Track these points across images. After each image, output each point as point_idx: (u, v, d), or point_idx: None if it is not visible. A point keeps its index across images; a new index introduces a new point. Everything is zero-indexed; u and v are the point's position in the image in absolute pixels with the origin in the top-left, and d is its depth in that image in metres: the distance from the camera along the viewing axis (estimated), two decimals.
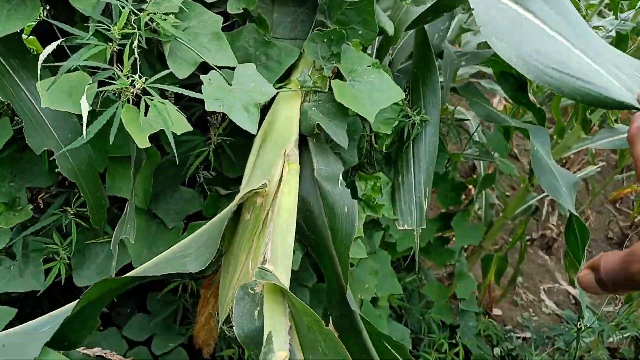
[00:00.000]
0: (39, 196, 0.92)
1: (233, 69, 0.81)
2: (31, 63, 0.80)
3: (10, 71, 0.78)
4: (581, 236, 1.30)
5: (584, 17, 2.24)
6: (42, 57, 0.69)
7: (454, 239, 1.77)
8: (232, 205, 0.79)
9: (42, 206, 0.92)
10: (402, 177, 1.06)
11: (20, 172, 0.88)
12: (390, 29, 0.93)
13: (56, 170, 0.91)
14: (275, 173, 0.82)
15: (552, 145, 2.18)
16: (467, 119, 1.61)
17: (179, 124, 0.73)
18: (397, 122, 1.02)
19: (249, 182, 0.82)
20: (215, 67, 0.78)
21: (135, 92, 0.69)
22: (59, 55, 0.76)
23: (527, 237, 3.09)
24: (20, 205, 0.88)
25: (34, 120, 0.77)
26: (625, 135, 1.69)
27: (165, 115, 0.69)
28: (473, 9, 0.72)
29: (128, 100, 0.69)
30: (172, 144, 0.69)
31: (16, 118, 0.92)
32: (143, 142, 0.68)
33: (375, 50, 1.09)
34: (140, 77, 0.69)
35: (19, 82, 0.78)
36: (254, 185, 0.79)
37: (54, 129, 0.79)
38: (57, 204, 0.91)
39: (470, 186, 2.12)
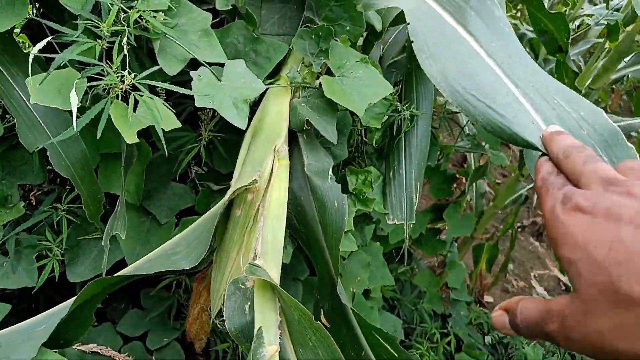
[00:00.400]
0: (31, 193, 0.93)
1: (223, 65, 0.82)
2: (22, 60, 0.80)
3: (1, 69, 0.79)
4: None
5: (574, 4, 2.26)
6: (32, 54, 0.69)
7: (445, 229, 1.79)
8: (223, 202, 0.80)
9: (34, 203, 0.93)
10: (393, 172, 1.07)
11: (11, 170, 0.89)
12: (378, 24, 0.93)
13: (48, 167, 0.92)
14: (265, 169, 0.82)
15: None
16: (458, 112, 1.62)
17: (168, 120, 0.73)
18: (386, 117, 1.03)
19: (239, 178, 0.83)
20: (204, 64, 0.79)
21: (124, 88, 0.69)
22: (50, 53, 0.77)
23: (518, 224, 3.12)
24: (12, 203, 0.88)
25: (26, 118, 0.78)
26: (616, 124, 1.71)
27: (154, 111, 0.69)
28: (409, 23, 0.70)
29: (117, 96, 0.69)
30: (162, 140, 0.70)
31: (7, 116, 0.92)
32: (131, 138, 0.69)
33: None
34: (129, 74, 0.69)
35: (10, 79, 0.79)
36: (244, 182, 0.80)
37: (46, 125, 0.79)
38: (49, 201, 0.91)
39: (462, 176, 2.14)
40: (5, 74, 0.78)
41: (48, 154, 0.77)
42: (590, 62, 1.92)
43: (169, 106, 0.74)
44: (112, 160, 0.91)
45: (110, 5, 0.73)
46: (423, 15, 0.71)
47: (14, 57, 0.80)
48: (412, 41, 0.68)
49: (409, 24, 0.70)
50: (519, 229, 3.11)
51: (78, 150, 0.81)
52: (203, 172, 1.02)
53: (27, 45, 1.17)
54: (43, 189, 0.94)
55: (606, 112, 1.99)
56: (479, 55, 0.68)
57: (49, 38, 0.70)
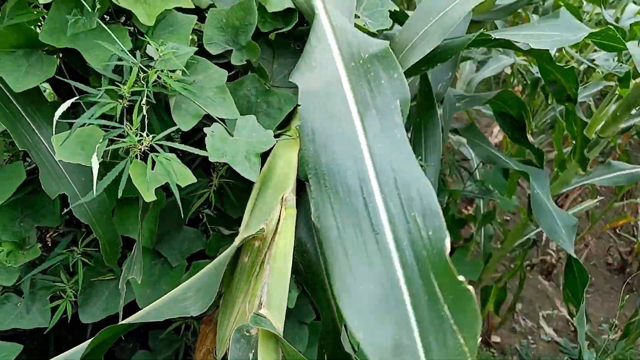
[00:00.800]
0: (48, 235, 0.96)
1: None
2: (48, 112, 0.85)
3: (29, 120, 0.83)
4: (580, 279, 1.33)
5: (581, 53, 2.29)
6: (57, 115, 0.73)
7: None
8: (231, 249, 0.83)
9: (50, 244, 0.96)
10: None
11: (30, 213, 0.92)
12: None
13: (65, 210, 0.95)
14: (272, 217, 0.85)
15: (553, 177, 2.21)
16: (467, 159, 1.65)
17: (184, 177, 0.77)
18: None
19: (247, 226, 0.86)
20: (218, 120, 0.82)
21: (142, 149, 0.73)
22: (73, 103, 0.81)
23: (527, 263, 3.10)
24: (30, 245, 0.91)
25: (50, 167, 0.82)
26: (624, 172, 1.72)
27: (170, 170, 0.73)
28: (299, 105, 0.70)
29: (136, 156, 0.73)
30: (178, 197, 0.73)
31: (28, 159, 0.96)
32: (149, 197, 0.73)
33: None
34: (147, 135, 0.73)
35: (36, 131, 0.83)
36: (251, 230, 0.83)
37: (68, 174, 0.83)
38: (65, 243, 0.95)
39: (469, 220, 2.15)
40: (32, 125, 0.82)
41: (69, 201, 0.81)
42: (600, 108, 1.94)
43: (187, 149, 0.77)
44: (127, 204, 0.94)
45: (131, 66, 0.77)
46: (328, 97, 0.72)
47: (41, 110, 0.84)
48: (300, 124, 0.69)
49: (299, 105, 0.71)
50: (528, 267, 3.09)
51: (98, 199, 0.84)
52: (214, 215, 1.05)
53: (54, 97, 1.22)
54: (59, 231, 0.97)
55: (615, 155, 2.00)
56: (360, 149, 0.68)
57: (74, 99, 0.75)
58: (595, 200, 2.21)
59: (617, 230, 3.47)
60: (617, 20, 2.52)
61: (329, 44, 0.76)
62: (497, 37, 0.93)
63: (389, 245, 0.61)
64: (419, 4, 1.15)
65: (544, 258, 3.10)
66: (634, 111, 1.68)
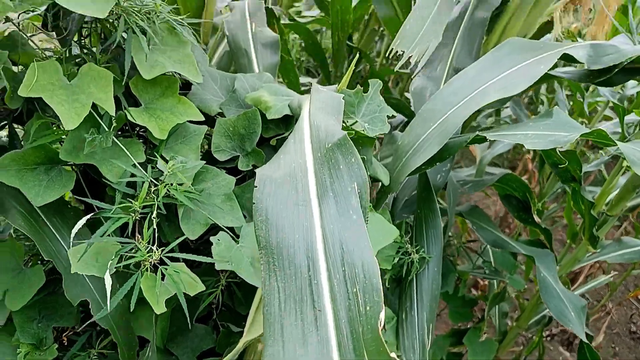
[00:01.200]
0: (64, 334, 1.00)
1: None
2: (71, 221, 0.90)
3: (53, 230, 0.88)
4: None
5: (588, 123, 2.33)
6: (74, 232, 0.78)
7: (467, 352, 1.78)
8: (234, 353, 0.85)
9: (66, 343, 0.99)
10: (405, 313, 1.11)
11: (48, 314, 0.96)
12: (385, 179, 1.01)
13: (82, 309, 0.99)
14: None
15: (566, 249, 2.20)
16: (475, 240, 1.66)
17: (192, 286, 0.81)
18: (397, 259, 1.09)
19: (250, 328, 0.89)
20: (224, 229, 0.87)
21: (152, 262, 0.77)
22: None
23: (547, 333, 3.04)
24: (47, 345, 0.95)
25: (73, 274, 0.86)
26: (635, 249, 1.71)
27: (178, 281, 0.77)
28: (256, 186, 0.73)
29: (147, 268, 0.78)
30: (184, 307, 0.77)
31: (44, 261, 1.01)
32: (159, 309, 0.76)
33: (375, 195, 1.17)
34: (157, 248, 0.78)
35: (60, 239, 0.88)
36: (254, 334, 0.86)
37: (90, 281, 0.88)
38: (81, 343, 0.98)
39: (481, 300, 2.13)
40: (57, 235, 0.88)
41: (90, 307, 0.85)
42: (609, 180, 1.96)
43: (193, 259, 0.81)
44: (143, 304, 0.98)
45: (142, 180, 0.83)
46: (289, 182, 0.75)
47: (64, 218, 0.90)
48: (254, 204, 0.71)
49: (256, 186, 0.73)
50: (548, 338, 3.03)
51: (119, 304, 0.88)
52: (224, 310, 1.08)
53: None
54: (75, 330, 1.01)
55: (630, 221, 1.97)
56: (314, 230, 0.69)
57: (88, 216, 0.80)
58: (610, 275, 2.19)
59: (639, 296, 3.40)
60: (622, 88, 2.57)
61: (303, 139, 0.82)
62: (493, 139, 0.98)
63: (328, 324, 0.61)
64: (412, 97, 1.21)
65: (563, 328, 3.04)
66: None
